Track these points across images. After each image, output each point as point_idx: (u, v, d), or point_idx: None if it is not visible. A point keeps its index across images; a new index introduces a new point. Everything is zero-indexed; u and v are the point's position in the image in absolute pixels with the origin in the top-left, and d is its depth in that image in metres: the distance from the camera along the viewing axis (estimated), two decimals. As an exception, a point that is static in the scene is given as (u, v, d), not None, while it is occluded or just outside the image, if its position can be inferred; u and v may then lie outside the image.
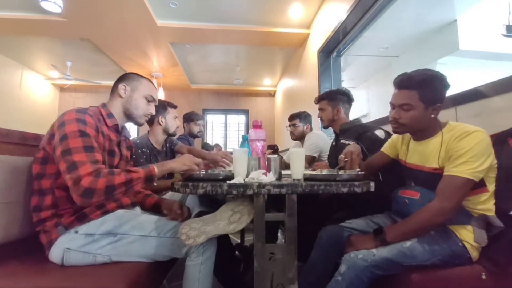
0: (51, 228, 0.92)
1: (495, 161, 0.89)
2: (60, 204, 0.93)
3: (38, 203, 0.93)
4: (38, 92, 6.11)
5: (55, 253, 0.90)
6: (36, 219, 0.93)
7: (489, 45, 3.44)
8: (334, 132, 1.67)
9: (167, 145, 1.86)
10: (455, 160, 0.88)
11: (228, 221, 0.90)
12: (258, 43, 4.35)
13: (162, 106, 1.77)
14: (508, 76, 1.15)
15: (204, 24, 3.82)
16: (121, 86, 1.10)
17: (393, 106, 1.01)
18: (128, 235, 0.94)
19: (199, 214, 1.25)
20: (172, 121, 1.81)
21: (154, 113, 1.20)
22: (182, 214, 1.10)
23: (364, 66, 4.90)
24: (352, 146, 1.18)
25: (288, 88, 5.46)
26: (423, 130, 1.01)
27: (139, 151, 1.61)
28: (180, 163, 0.99)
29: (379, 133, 1.37)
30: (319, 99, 1.70)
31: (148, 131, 1.79)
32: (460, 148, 0.87)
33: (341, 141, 1.50)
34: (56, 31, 3.98)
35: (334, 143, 1.68)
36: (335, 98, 1.63)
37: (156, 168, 0.94)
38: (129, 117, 1.13)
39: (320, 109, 1.69)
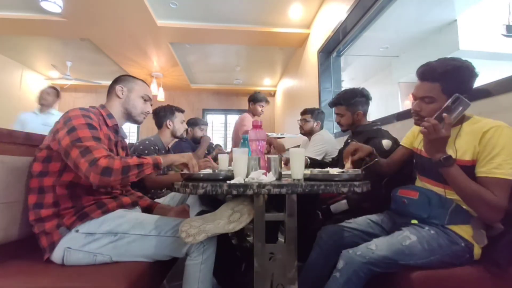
0: (52, 230, 0.91)
1: None
2: (61, 203, 0.93)
3: (38, 201, 0.93)
4: (38, 92, 6.11)
5: (56, 253, 0.90)
6: (34, 217, 0.92)
7: (489, 45, 3.44)
8: (351, 130, 1.61)
9: (168, 147, 1.98)
10: (492, 159, 0.83)
11: (228, 220, 0.90)
12: (258, 43, 4.34)
13: (170, 111, 1.95)
14: (508, 76, 1.15)
15: (204, 24, 3.82)
16: (118, 88, 1.15)
17: (415, 97, 0.98)
18: (129, 234, 0.94)
19: (200, 213, 1.25)
20: (179, 124, 1.97)
21: (150, 111, 1.27)
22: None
23: (364, 66, 4.89)
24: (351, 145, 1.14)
25: (288, 88, 5.46)
26: None
27: (152, 148, 1.74)
28: (179, 155, 1.05)
29: (386, 143, 1.32)
30: (335, 104, 1.59)
31: (158, 132, 1.98)
32: (495, 144, 0.83)
33: (353, 142, 1.48)
34: (56, 31, 3.98)
35: (348, 141, 1.62)
36: (354, 103, 1.52)
37: (162, 158, 1.01)
38: (128, 116, 1.18)
39: (337, 114, 1.59)
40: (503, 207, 0.80)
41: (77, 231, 0.92)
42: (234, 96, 7.18)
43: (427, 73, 0.94)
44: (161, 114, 1.93)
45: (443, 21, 3.57)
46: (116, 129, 1.14)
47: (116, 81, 1.18)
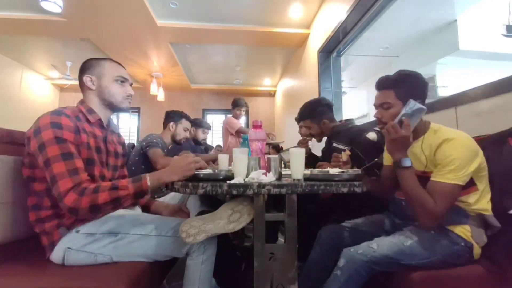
0: (52, 229, 0.91)
1: (484, 160, 0.90)
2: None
3: (36, 203, 0.92)
4: (38, 92, 6.11)
5: (56, 253, 0.90)
6: (35, 218, 0.92)
7: (489, 45, 3.44)
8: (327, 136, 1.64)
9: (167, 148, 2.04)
10: (442, 168, 0.87)
11: (228, 220, 0.90)
12: (258, 43, 4.34)
13: (179, 115, 2.03)
14: (508, 76, 1.15)
15: (204, 24, 3.81)
16: (86, 79, 1.02)
17: (376, 106, 1.07)
18: (129, 234, 0.94)
19: (200, 214, 1.25)
20: (181, 130, 2.02)
21: (133, 93, 1.09)
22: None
23: (364, 66, 4.89)
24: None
25: (288, 88, 5.45)
26: None
27: (155, 140, 1.83)
28: (180, 171, 0.90)
29: (371, 136, 1.34)
30: (301, 119, 1.69)
31: (162, 132, 2.04)
32: (447, 156, 0.87)
33: (334, 145, 1.49)
34: (56, 31, 3.98)
35: (325, 148, 1.65)
36: (316, 114, 1.60)
37: (149, 182, 0.88)
38: (111, 107, 1.05)
39: (305, 127, 1.69)
40: (439, 214, 0.85)
41: (77, 231, 0.92)
42: (234, 96, 7.16)
43: (382, 82, 1.05)
44: (170, 115, 2.02)
45: (443, 21, 3.57)
46: (101, 124, 1.05)
47: (82, 71, 1.03)
